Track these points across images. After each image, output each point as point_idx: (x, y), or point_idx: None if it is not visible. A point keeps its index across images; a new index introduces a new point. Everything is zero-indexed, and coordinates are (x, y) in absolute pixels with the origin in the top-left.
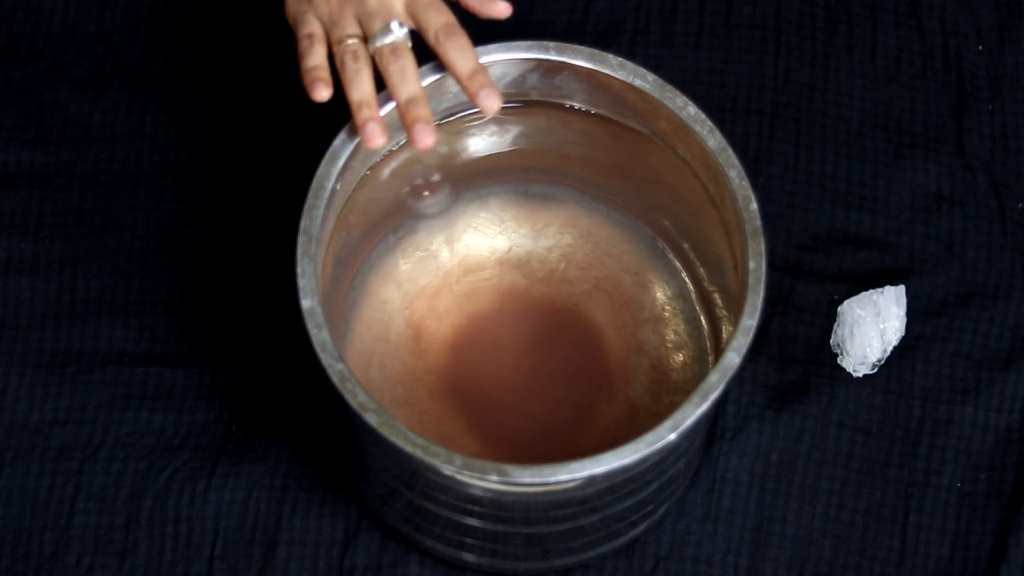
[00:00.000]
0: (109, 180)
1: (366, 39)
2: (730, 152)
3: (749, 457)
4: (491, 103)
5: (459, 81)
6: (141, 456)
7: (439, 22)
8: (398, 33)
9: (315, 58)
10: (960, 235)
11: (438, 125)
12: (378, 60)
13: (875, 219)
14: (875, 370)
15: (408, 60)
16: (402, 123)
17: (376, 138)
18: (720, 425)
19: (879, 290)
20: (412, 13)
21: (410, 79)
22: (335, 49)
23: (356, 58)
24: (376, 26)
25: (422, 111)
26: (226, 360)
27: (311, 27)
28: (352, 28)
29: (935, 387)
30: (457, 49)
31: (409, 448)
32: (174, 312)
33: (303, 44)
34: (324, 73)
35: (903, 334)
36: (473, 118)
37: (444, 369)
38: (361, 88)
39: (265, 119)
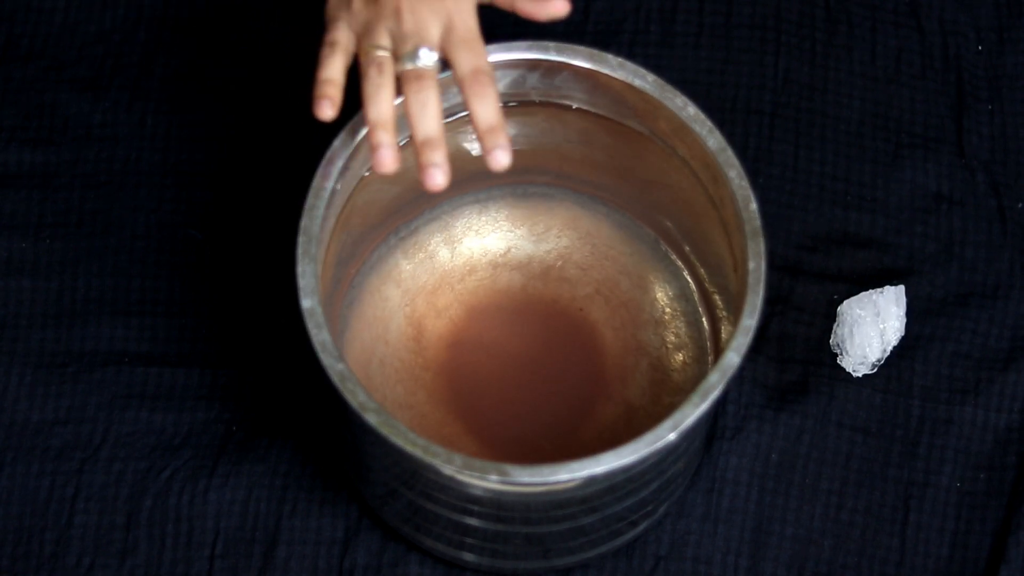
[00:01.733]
0: (110, 180)
1: (396, 56)
2: (730, 152)
3: (749, 457)
4: (501, 164)
5: (476, 131)
6: (141, 456)
7: (469, 66)
8: (426, 60)
9: (330, 70)
10: (960, 235)
11: None
12: (402, 83)
13: (875, 219)
14: (875, 370)
15: (431, 92)
16: (416, 159)
17: (388, 165)
18: (720, 425)
19: (879, 290)
20: (445, 47)
21: (430, 115)
22: (361, 58)
23: (381, 71)
24: (406, 48)
25: (438, 156)
26: (226, 360)
27: (338, 34)
28: (384, 40)
29: (934, 387)
30: (481, 99)
31: (409, 448)
32: (174, 312)
33: (324, 51)
34: (334, 90)
35: (903, 334)
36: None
37: (443, 369)
38: (379, 107)
39: (265, 119)
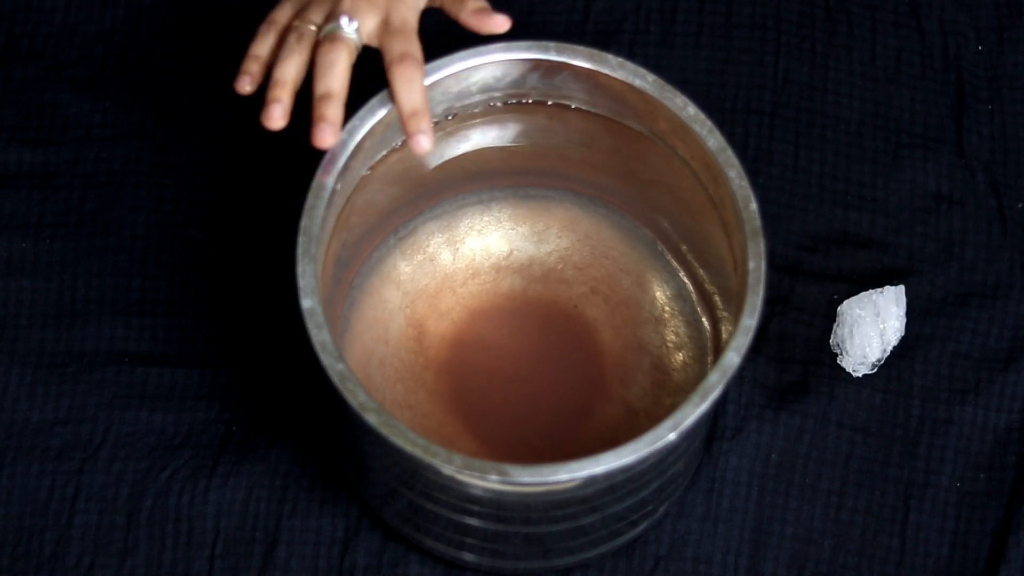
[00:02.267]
0: (110, 180)
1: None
2: (730, 152)
3: (749, 457)
4: (423, 148)
5: (399, 115)
6: (141, 456)
7: (398, 49)
8: (346, 29)
9: (261, 46)
10: (959, 235)
11: (437, 124)
12: (318, 46)
13: (874, 219)
14: (875, 370)
15: (342, 56)
16: (311, 114)
17: (275, 121)
18: (720, 425)
19: (879, 290)
20: (379, 38)
21: (334, 74)
22: (291, 26)
23: (300, 39)
24: (331, 19)
25: (332, 112)
26: (226, 360)
27: (279, 13)
28: (316, 18)
29: (934, 387)
30: (406, 81)
31: (409, 448)
32: (174, 312)
33: (261, 27)
34: (257, 67)
35: (903, 334)
36: (472, 119)
37: (443, 370)
38: (287, 68)
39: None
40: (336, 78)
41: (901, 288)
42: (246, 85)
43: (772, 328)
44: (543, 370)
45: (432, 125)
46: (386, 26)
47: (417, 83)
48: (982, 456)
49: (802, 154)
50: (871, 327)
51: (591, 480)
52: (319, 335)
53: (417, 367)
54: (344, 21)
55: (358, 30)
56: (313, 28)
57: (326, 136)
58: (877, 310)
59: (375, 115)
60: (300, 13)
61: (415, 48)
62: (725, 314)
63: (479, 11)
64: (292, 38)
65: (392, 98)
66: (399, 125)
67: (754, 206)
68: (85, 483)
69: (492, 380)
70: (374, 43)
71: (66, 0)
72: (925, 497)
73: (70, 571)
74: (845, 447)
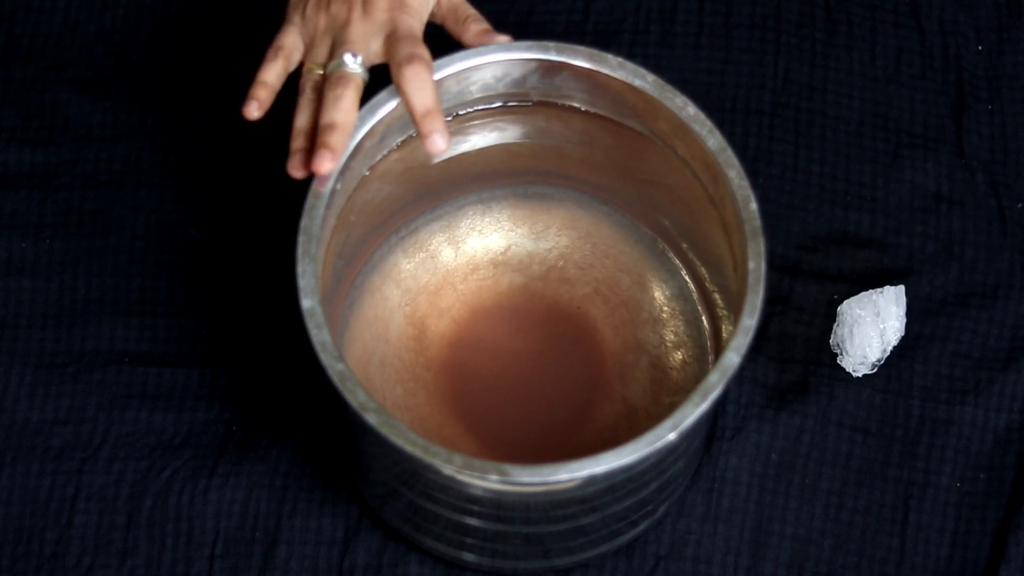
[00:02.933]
0: (110, 180)
1: (327, 62)
2: (730, 152)
3: (749, 457)
4: (438, 147)
5: (412, 116)
6: (141, 456)
7: (405, 52)
8: (351, 65)
9: (268, 74)
10: (959, 235)
11: None
12: (325, 84)
13: (874, 219)
14: (875, 370)
15: (348, 91)
16: (315, 143)
17: (297, 170)
18: (720, 425)
19: (879, 290)
20: (386, 49)
21: (340, 109)
22: (303, 71)
23: (314, 88)
24: (336, 54)
25: (333, 139)
26: (226, 360)
27: (286, 39)
28: (322, 57)
29: (934, 387)
30: (416, 82)
31: (409, 448)
32: (174, 312)
33: (268, 52)
34: (265, 93)
35: (903, 334)
36: (473, 119)
37: (443, 369)
38: (305, 118)
39: (265, 119)
40: (341, 111)
41: (901, 288)
42: (254, 111)
43: (772, 328)
44: (543, 370)
45: (446, 124)
46: (393, 35)
47: (427, 83)
48: (982, 456)
49: (802, 154)
50: (871, 327)
51: (591, 480)
52: (319, 335)
53: (417, 367)
54: (348, 58)
55: (363, 63)
56: (321, 72)
57: (324, 161)
58: (877, 310)
59: (375, 115)
60: (311, 47)
61: (422, 50)
62: (725, 313)
63: (482, 32)
64: (308, 88)
65: (403, 99)
66: (401, 125)
67: (754, 206)
68: (85, 483)
69: (492, 380)
70: (381, 59)
71: (66, 0)
72: (925, 497)
73: (70, 571)
74: (845, 447)
